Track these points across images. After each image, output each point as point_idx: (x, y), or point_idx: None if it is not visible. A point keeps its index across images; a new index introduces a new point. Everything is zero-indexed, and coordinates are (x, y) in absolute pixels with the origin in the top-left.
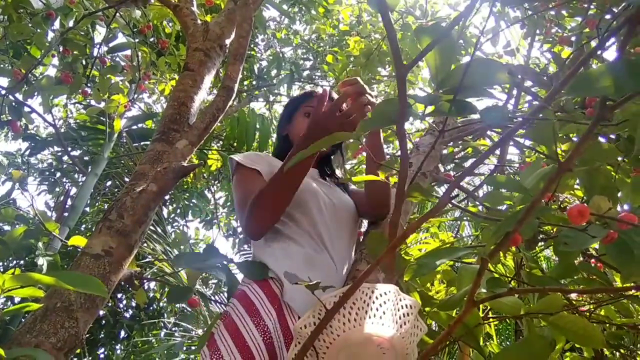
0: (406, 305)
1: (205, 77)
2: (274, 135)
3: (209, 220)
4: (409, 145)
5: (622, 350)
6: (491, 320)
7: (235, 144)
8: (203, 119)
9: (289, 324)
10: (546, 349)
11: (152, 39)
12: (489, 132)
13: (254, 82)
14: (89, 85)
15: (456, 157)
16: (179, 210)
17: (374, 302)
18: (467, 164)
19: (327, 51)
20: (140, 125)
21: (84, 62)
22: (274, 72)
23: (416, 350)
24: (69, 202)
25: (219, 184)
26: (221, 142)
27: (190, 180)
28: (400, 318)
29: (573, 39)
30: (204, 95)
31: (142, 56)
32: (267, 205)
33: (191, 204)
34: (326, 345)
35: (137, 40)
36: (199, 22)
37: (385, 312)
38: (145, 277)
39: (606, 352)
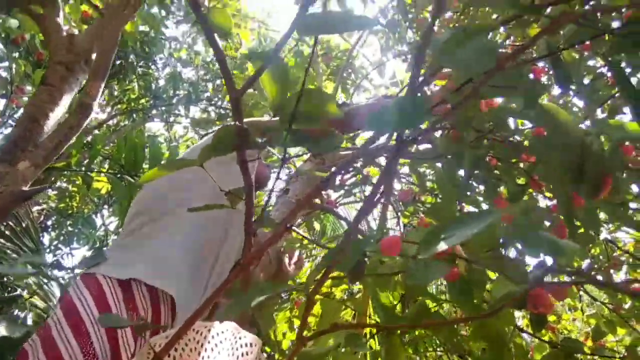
0: (246, 344)
1: (65, 94)
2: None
3: (98, 247)
4: (291, 171)
5: None
6: None
7: (124, 165)
8: (52, 138)
9: None
10: None
11: (21, 50)
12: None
13: (150, 102)
14: None
15: (345, 183)
16: (62, 238)
17: (209, 342)
18: (357, 190)
19: None
20: None
21: None
22: (172, 92)
23: None
24: None
25: (110, 209)
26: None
27: (76, 205)
28: (237, 358)
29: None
30: (61, 112)
31: (16, 68)
32: None
33: (76, 230)
34: None
35: (14, 53)
36: (64, 34)
37: (221, 352)
38: None
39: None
